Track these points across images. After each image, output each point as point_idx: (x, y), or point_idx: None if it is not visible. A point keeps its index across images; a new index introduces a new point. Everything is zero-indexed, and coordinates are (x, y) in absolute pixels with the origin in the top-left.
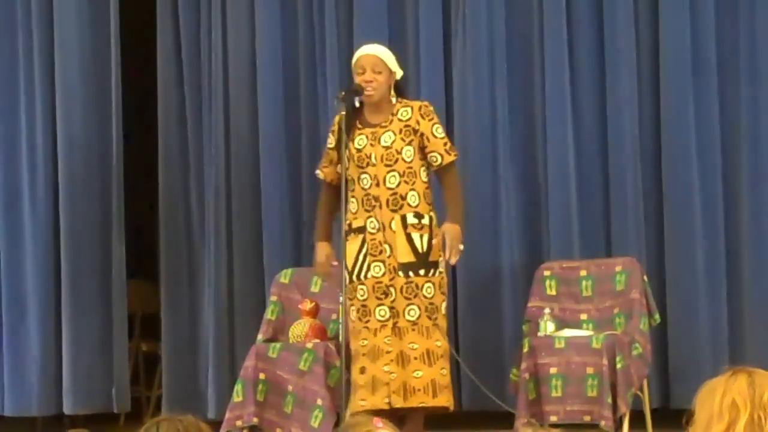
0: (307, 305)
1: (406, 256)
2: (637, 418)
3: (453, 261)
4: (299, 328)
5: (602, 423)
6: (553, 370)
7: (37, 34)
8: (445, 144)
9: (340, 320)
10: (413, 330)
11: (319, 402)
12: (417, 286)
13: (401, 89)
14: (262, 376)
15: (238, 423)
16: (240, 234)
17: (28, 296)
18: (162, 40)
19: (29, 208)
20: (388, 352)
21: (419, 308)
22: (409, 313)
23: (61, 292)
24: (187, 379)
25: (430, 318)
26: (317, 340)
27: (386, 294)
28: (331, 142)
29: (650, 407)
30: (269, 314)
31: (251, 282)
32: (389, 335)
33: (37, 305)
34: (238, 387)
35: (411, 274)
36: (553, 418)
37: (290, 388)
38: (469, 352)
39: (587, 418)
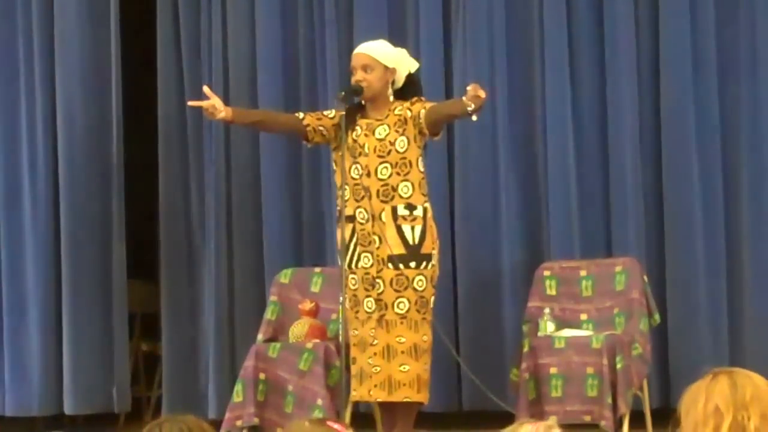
0: (307, 305)
1: (396, 248)
2: (637, 418)
3: (472, 95)
4: (299, 328)
5: (602, 423)
6: (553, 370)
7: (37, 33)
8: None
9: (340, 320)
10: (402, 323)
11: (319, 402)
12: (408, 278)
13: (416, 85)
14: (262, 376)
15: (239, 423)
16: (240, 234)
17: (28, 296)
18: (162, 40)
19: (29, 208)
20: (372, 345)
21: (409, 301)
22: (398, 306)
23: (62, 292)
24: (187, 379)
25: (419, 312)
26: (317, 340)
27: (373, 285)
28: (332, 113)
29: (650, 407)
30: (269, 314)
31: (251, 282)
32: (374, 327)
33: (37, 305)
34: (238, 387)
35: (401, 266)
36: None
37: (290, 388)
38: (469, 352)
39: (587, 418)
